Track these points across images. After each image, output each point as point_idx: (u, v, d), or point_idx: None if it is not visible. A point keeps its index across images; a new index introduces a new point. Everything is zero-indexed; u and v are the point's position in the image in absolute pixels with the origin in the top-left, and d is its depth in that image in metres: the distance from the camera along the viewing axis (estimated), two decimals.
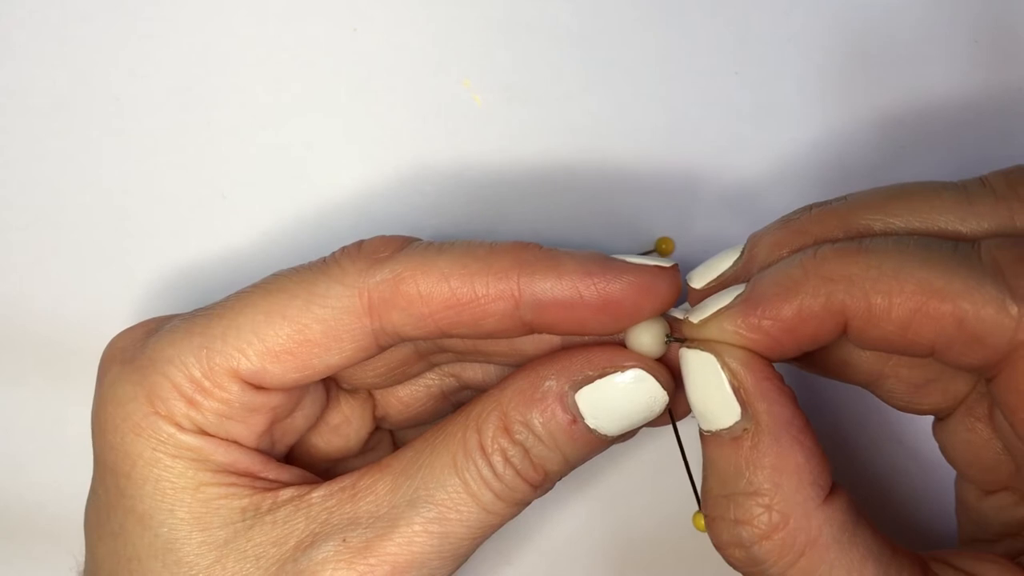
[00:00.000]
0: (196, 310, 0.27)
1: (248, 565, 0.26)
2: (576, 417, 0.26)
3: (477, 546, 0.26)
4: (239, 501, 0.26)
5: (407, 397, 0.31)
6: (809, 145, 0.32)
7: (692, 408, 0.25)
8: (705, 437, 0.25)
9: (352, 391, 0.31)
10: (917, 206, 0.24)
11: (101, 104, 0.32)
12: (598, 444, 0.26)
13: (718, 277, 0.26)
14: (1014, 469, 0.26)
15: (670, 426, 0.28)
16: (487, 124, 0.32)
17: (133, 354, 0.27)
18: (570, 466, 0.27)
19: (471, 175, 0.32)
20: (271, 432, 0.28)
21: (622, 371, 0.26)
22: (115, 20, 0.32)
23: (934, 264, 0.22)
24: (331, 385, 0.30)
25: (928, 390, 0.27)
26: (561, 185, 0.32)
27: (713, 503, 0.24)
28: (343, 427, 0.30)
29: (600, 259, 0.25)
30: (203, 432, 0.26)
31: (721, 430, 0.24)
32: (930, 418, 0.28)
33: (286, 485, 0.27)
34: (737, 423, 0.24)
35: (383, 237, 0.27)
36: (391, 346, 0.27)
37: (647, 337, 0.26)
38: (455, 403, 0.32)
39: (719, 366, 0.24)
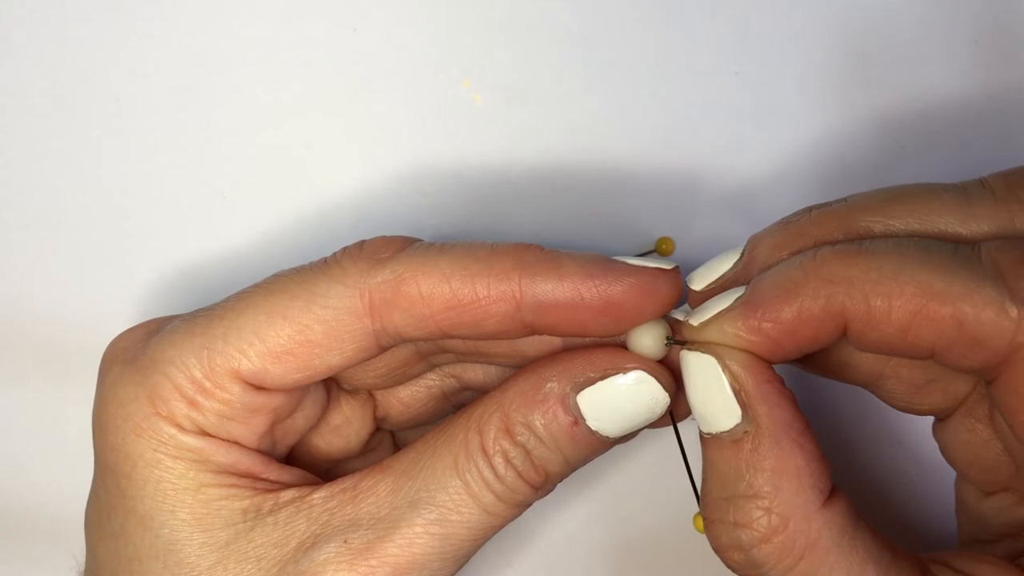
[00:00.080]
0: (197, 310, 0.27)
1: (249, 566, 0.26)
2: (577, 418, 0.26)
3: (478, 547, 0.27)
4: (240, 502, 0.26)
5: (408, 398, 0.31)
6: (809, 145, 0.32)
7: (692, 410, 0.25)
8: (705, 439, 0.25)
9: (353, 392, 0.31)
10: (917, 208, 0.24)
11: (101, 104, 0.32)
12: (599, 445, 0.26)
13: (718, 279, 0.26)
14: (1014, 470, 0.26)
15: (671, 427, 0.28)
16: (487, 124, 0.32)
17: (134, 355, 0.27)
18: (571, 468, 0.27)
19: (471, 175, 0.32)
20: (272, 433, 0.28)
21: (624, 373, 0.26)
22: (115, 20, 0.32)
23: (934, 266, 0.22)
24: (332, 386, 0.30)
25: (928, 391, 0.27)
26: (561, 185, 0.32)
27: (713, 506, 0.24)
28: (344, 428, 0.30)
29: (601, 261, 0.25)
30: (204, 433, 0.26)
31: (721, 432, 0.24)
32: (930, 419, 0.28)
33: (287, 486, 0.27)
34: (737, 426, 0.24)
35: (384, 237, 0.27)
36: (392, 347, 0.27)
37: (648, 339, 0.26)
38: (456, 404, 0.32)
39: (720, 369, 0.24)
